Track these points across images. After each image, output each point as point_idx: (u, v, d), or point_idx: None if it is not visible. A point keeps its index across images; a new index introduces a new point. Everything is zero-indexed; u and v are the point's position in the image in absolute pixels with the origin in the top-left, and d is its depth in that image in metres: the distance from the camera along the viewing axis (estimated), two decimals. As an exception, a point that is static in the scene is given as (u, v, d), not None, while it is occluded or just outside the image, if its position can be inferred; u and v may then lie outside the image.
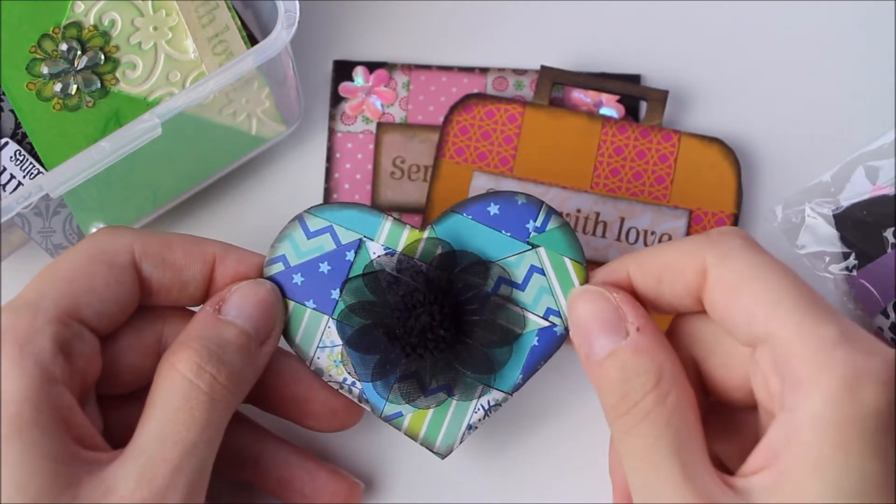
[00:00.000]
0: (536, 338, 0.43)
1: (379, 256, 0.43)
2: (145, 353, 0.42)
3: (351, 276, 0.43)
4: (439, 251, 0.43)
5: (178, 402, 0.39)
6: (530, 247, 0.43)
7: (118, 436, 0.40)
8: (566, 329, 0.43)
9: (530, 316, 0.43)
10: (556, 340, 0.43)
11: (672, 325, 0.43)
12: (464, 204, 0.44)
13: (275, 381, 0.44)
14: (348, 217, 0.44)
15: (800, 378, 0.36)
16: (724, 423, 0.42)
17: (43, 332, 0.39)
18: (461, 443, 0.44)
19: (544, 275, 0.43)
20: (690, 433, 0.38)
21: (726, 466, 0.41)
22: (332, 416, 0.45)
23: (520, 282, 0.43)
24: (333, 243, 0.44)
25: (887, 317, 0.49)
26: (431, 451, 0.44)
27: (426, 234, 0.43)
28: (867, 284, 0.50)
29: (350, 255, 0.43)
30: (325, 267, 0.44)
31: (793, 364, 0.36)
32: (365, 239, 0.44)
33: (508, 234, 0.43)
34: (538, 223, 0.43)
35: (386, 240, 0.44)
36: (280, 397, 0.45)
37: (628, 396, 0.38)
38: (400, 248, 0.43)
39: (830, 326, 0.37)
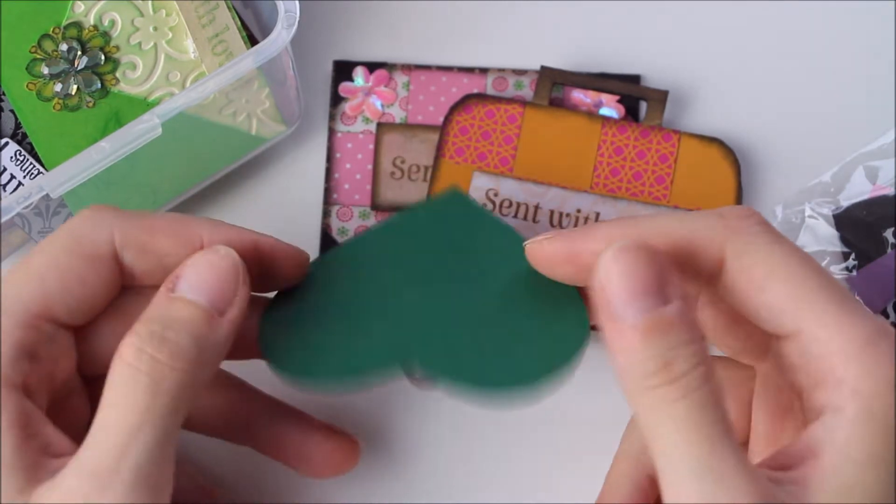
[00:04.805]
0: None
1: None
2: None
3: None
4: None
5: (121, 390, 0.37)
6: None
7: None
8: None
9: None
10: None
11: None
12: None
13: (276, 443, 0.46)
14: None
15: (842, 377, 0.35)
16: None
17: (8, 337, 0.38)
18: None
19: None
20: (730, 419, 0.36)
21: None
22: (333, 468, 0.46)
23: None
24: None
25: (887, 317, 0.49)
26: None
27: None
28: (867, 284, 0.50)
29: None
30: None
31: (833, 363, 0.36)
32: None
33: None
34: None
35: None
36: (281, 455, 0.46)
37: (672, 367, 0.35)
38: None
39: (866, 323, 0.36)
